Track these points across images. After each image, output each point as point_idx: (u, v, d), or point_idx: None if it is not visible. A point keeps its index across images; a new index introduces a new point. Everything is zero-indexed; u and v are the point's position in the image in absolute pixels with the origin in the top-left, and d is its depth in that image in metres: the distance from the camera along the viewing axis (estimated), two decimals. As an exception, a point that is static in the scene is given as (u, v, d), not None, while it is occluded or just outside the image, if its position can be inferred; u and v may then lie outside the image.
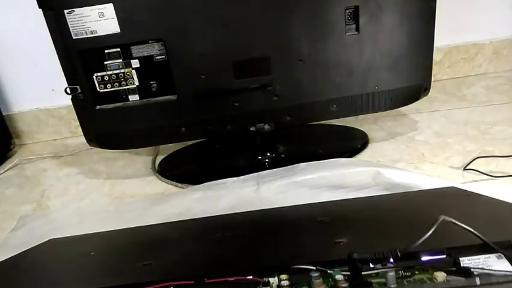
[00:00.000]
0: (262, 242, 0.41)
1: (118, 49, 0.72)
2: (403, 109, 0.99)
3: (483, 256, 0.30)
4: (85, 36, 0.70)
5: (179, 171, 0.90)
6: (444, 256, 0.30)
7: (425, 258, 0.30)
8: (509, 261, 0.29)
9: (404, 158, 0.81)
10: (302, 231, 0.42)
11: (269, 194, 0.71)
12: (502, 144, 0.79)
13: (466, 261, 0.29)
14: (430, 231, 0.30)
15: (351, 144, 0.90)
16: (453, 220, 0.30)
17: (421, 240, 0.29)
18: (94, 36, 0.70)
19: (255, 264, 0.34)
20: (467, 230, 0.30)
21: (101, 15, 0.68)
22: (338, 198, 0.58)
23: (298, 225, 0.45)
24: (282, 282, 0.30)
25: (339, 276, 0.29)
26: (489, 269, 0.29)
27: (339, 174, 0.72)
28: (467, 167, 0.72)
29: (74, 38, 0.70)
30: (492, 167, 0.71)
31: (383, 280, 0.29)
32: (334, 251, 0.35)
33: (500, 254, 0.30)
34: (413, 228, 0.37)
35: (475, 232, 0.30)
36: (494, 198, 0.46)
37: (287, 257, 0.35)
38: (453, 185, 0.58)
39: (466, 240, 0.31)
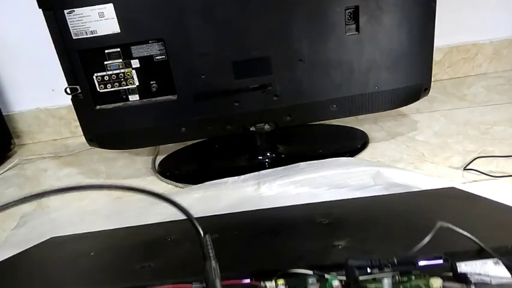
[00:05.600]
0: (260, 244, 0.41)
1: (118, 49, 0.72)
2: (403, 109, 0.99)
3: (480, 262, 0.30)
4: (85, 36, 0.70)
5: (179, 171, 0.90)
6: (441, 261, 0.30)
7: (422, 263, 0.30)
8: (506, 266, 0.29)
9: (404, 158, 0.81)
10: (301, 233, 0.42)
11: (269, 194, 0.71)
12: (502, 144, 0.79)
13: (462, 267, 0.29)
14: (427, 238, 0.30)
15: (351, 144, 0.90)
16: (450, 225, 0.30)
17: (418, 247, 0.29)
18: (94, 36, 0.70)
19: (252, 267, 0.34)
20: (465, 235, 0.30)
21: (101, 15, 0.68)
22: (338, 198, 0.58)
23: (296, 226, 0.45)
24: (279, 287, 0.30)
25: (335, 282, 0.29)
26: (485, 275, 0.29)
27: (339, 174, 0.72)
28: (467, 167, 0.72)
29: (74, 38, 0.70)
30: (492, 167, 0.71)
31: (380, 285, 0.29)
32: (332, 255, 0.35)
33: (497, 259, 0.30)
34: (412, 232, 0.37)
35: (472, 237, 0.30)
36: (495, 201, 0.46)
37: (285, 260, 0.35)
38: (453, 186, 0.58)
39: (464, 245, 0.31)
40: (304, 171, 0.75)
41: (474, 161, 0.73)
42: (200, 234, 0.29)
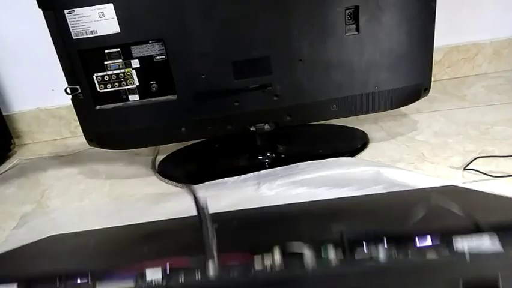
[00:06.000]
0: (258, 228, 0.41)
1: (118, 49, 0.72)
2: (403, 109, 0.99)
3: (475, 236, 0.30)
4: (85, 36, 0.70)
5: (179, 171, 0.90)
6: (437, 237, 0.30)
7: (418, 239, 0.30)
8: (500, 240, 0.30)
9: (404, 158, 0.81)
10: (299, 220, 0.43)
11: (269, 194, 0.71)
12: (502, 144, 0.79)
13: (458, 242, 0.30)
14: (422, 212, 0.30)
15: (351, 144, 0.90)
16: (445, 203, 0.31)
17: (414, 221, 0.30)
18: (94, 36, 0.70)
19: (249, 243, 0.34)
20: (457, 212, 0.31)
21: (101, 15, 0.68)
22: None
23: (295, 217, 0.46)
24: (276, 260, 0.30)
25: (331, 255, 0.30)
26: (480, 249, 0.29)
27: (339, 174, 0.72)
28: (467, 167, 0.72)
29: (74, 38, 0.70)
30: (492, 167, 0.71)
31: (375, 258, 0.30)
32: (329, 234, 0.35)
33: (492, 234, 0.30)
34: (409, 219, 0.38)
35: (465, 213, 0.31)
36: (493, 194, 0.46)
37: (282, 237, 0.36)
38: (452, 184, 0.58)
39: (460, 224, 0.32)
40: (304, 171, 0.75)
41: (474, 161, 0.73)
42: (197, 198, 0.29)
